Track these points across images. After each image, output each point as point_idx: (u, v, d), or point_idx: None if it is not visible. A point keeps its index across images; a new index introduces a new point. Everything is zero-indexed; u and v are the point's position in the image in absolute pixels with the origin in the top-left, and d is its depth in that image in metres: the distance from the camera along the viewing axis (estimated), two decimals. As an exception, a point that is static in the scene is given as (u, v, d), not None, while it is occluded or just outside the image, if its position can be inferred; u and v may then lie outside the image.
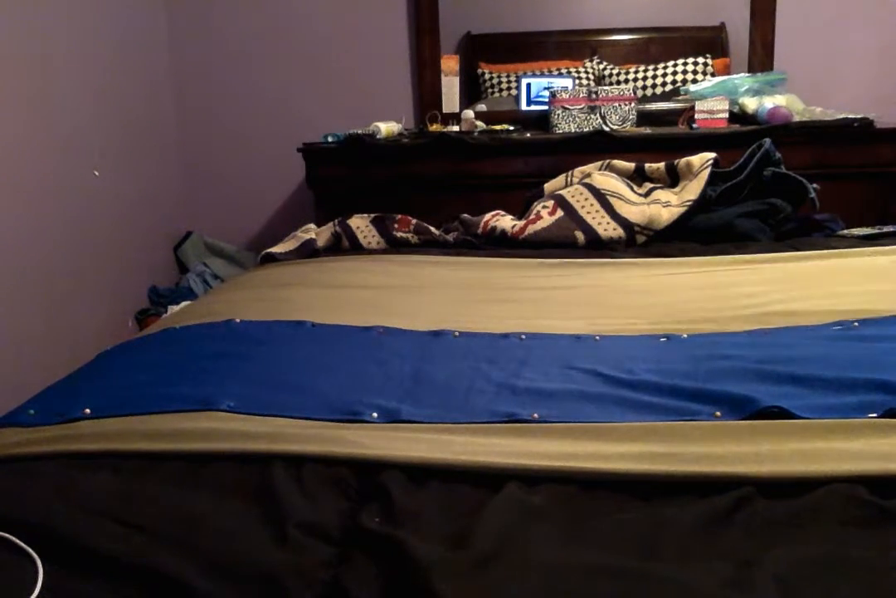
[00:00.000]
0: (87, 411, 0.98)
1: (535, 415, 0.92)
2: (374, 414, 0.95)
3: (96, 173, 2.48)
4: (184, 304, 2.63)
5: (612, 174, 1.97)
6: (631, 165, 2.05)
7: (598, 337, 1.19)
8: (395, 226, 1.95)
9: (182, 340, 1.27)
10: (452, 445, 0.87)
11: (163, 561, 0.67)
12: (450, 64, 2.90)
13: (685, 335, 1.18)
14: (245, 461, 0.85)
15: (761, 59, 2.81)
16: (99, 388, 1.08)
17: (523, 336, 1.21)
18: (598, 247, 1.82)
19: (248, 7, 2.98)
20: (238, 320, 1.32)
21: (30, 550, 0.70)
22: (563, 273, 1.62)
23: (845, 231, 1.91)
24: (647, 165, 2.05)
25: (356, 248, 1.95)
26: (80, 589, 0.66)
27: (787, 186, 1.88)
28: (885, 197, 2.44)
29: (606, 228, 1.83)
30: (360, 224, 1.98)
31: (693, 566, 0.65)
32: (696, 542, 0.69)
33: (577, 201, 1.87)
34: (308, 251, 1.93)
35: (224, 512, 0.76)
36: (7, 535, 0.72)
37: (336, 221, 2.02)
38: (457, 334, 1.23)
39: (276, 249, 1.95)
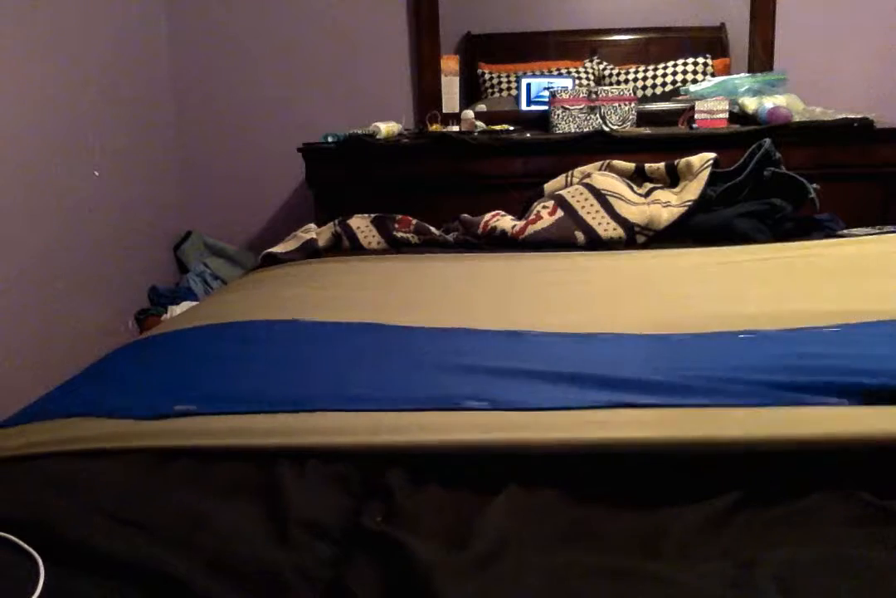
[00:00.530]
0: (184, 406, 0.97)
1: (646, 401, 0.91)
2: (475, 403, 0.94)
3: (96, 173, 2.48)
4: (184, 304, 2.63)
5: (612, 174, 1.97)
6: (631, 166, 2.05)
7: (678, 338, 1.16)
8: (396, 226, 1.95)
9: (254, 338, 1.26)
10: (553, 427, 0.87)
11: (164, 560, 0.67)
12: (450, 64, 2.90)
13: (770, 331, 1.15)
14: (249, 459, 0.85)
15: (761, 59, 2.81)
16: (189, 383, 1.07)
17: (600, 335, 1.19)
18: (598, 247, 1.82)
19: (248, 7, 2.98)
20: (306, 320, 1.31)
21: (31, 550, 0.70)
22: (610, 264, 1.63)
23: (845, 231, 1.91)
24: (647, 166, 2.05)
25: (356, 248, 1.95)
26: (81, 589, 0.66)
27: (787, 186, 1.88)
28: (886, 197, 2.44)
29: (606, 228, 1.83)
30: (361, 224, 1.98)
31: (693, 567, 0.65)
32: (697, 542, 0.69)
33: (577, 201, 1.87)
34: (309, 251, 1.93)
35: (226, 510, 0.77)
36: (7, 535, 0.72)
37: (336, 221, 2.02)
38: (534, 333, 1.21)
39: (277, 249, 1.95)
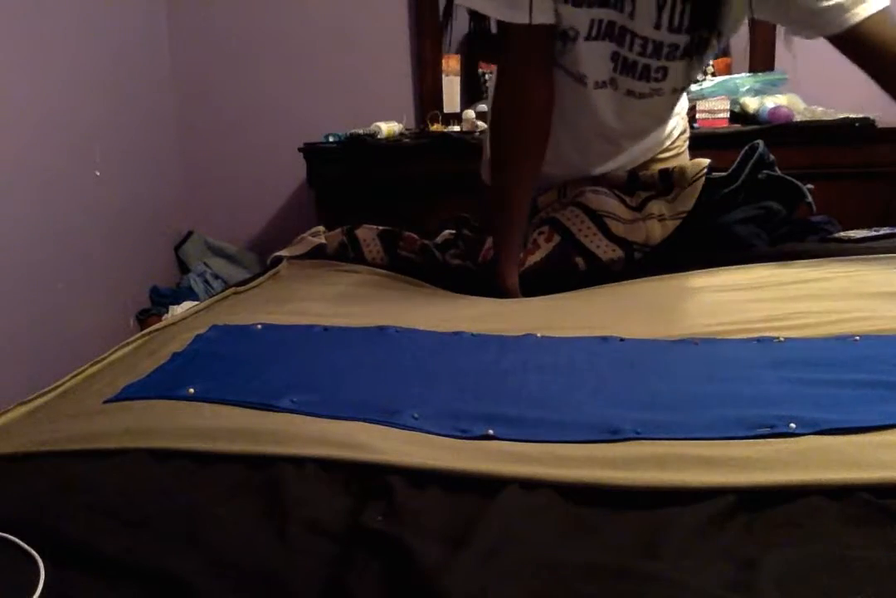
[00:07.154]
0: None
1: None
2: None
3: (97, 174, 2.49)
4: (185, 304, 2.63)
5: (605, 190, 1.92)
6: (623, 174, 2.01)
7: (698, 342, 1.18)
8: (401, 244, 1.93)
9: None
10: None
11: (165, 560, 0.68)
12: (450, 63, 2.91)
13: (781, 339, 1.15)
14: (251, 460, 0.85)
15: (762, 58, 2.81)
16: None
17: (698, 341, 1.19)
18: (599, 270, 1.79)
19: (249, 7, 2.98)
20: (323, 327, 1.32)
21: (31, 550, 0.70)
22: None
23: (842, 234, 1.90)
24: (640, 173, 2.01)
25: (359, 260, 1.93)
26: (81, 589, 0.66)
27: (783, 188, 1.87)
28: (887, 197, 2.44)
29: (606, 250, 1.79)
30: (367, 236, 1.95)
31: (693, 567, 0.65)
32: (697, 542, 0.69)
33: (574, 224, 1.83)
34: (318, 257, 1.92)
35: (227, 510, 0.77)
36: (7, 535, 0.72)
37: (344, 229, 2.00)
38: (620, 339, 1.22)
39: (286, 252, 1.94)
